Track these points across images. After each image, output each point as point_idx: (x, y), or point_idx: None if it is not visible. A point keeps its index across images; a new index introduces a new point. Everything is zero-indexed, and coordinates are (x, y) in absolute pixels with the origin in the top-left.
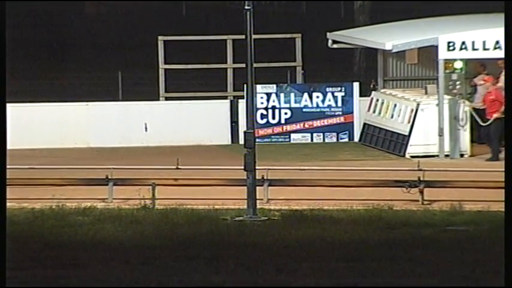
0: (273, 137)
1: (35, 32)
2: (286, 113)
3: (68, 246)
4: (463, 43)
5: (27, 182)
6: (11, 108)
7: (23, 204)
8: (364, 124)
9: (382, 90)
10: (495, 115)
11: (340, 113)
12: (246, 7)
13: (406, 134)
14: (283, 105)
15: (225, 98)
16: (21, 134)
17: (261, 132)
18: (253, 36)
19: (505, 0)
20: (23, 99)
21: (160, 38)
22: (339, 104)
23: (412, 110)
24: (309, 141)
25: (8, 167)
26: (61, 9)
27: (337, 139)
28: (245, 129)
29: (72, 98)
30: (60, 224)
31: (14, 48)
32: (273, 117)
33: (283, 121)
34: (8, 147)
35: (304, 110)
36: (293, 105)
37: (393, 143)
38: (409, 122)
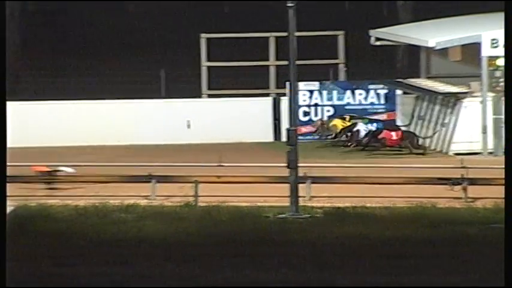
0: (315, 134)
1: (78, 30)
2: (328, 110)
3: (112, 243)
4: None
5: (71, 180)
6: (59, 106)
7: (67, 201)
8: None
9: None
10: None
11: (383, 110)
12: (289, 4)
13: (450, 131)
14: (325, 102)
15: (268, 95)
16: (65, 132)
17: (304, 129)
18: (296, 34)
19: (505, 0)
20: (67, 96)
21: (203, 35)
22: (382, 101)
23: (455, 108)
24: None
25: (52, 164)
26: (104, 7)
27: None
28: (288, 126)
29: (115, 96)
30: (104, 221)
31: (60, 47)
32: (316, 115)
33: (325, 118)
34: (53, 144)
35: (346, 107)
36: (336, 102)
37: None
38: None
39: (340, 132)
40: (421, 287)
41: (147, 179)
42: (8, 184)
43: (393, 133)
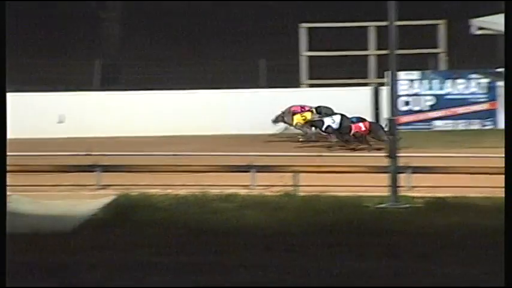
0: (415, 124)
1: (178, 19)
2: (429, 100)
3: (211, 233)
4: None
5: (172, 169)
6: (160, 95)
7: (168, 190)
8: None
9: None
10: None
11: (485, 99)
12: None
13: None
14: (426, 92)
15: (367, 85)
16: (164, 121)
17: (404, 119)
18: (396, 23)
19: (505, 0)
20: (167, 86)
21: (303, 25)
22: (483, 90)
23: None
24: (452, 128)
25: (151, 153)
26: None
27: (481, 126)
28: (387, 116)
29: (215, 86)
30: (204, 210)
31: (160, 36)
32: (416, 104)
33: (426, 108)
34: (151, 134)
35: (447, 96)
36: (436, 92)
37: None
38: None
39: (303, 126)
40: (436, 287)
41: (246, 168)
42: (110, 173)
43: (361, 124)
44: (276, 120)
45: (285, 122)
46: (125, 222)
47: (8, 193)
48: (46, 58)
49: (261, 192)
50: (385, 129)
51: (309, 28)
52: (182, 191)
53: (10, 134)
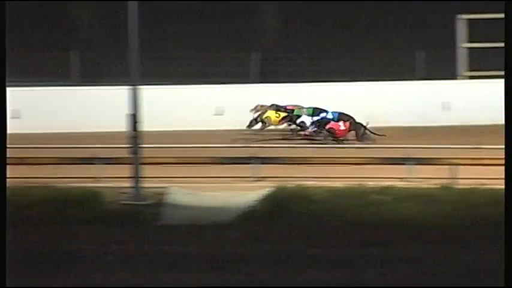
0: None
1: (336, 10)
2: None
3: (368, 225)
4: None
5: (328, 161)
6: (317, 88)
7: (324, 182)
8: None
9: None
10: None
11: None
12: None
13: None
14: None
15: None
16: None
17: None
18: None
19: (505, 0)
20: (326, 78)
21: (461, 16)
22: None
23: None
24: None
25: (305, 146)
26: None
27: None
28: None
29: (367, 78)
30: (360, 202)
31: (320, 27)
32: None
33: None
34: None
35: None
36: None
37: None
38: None
39: (279, 123)
40: (421, 287)
41: (403, 161)
42: (266, 165)
43: (340, 123)
44: (250, 125)
45: (258, 121)
46: (282, 215)
47: (167, 185)
48: (205, 51)
49: (417, 184)
50: (367, 130)
51: (468, 19)
52: (338, 183)
53: (168, 127)
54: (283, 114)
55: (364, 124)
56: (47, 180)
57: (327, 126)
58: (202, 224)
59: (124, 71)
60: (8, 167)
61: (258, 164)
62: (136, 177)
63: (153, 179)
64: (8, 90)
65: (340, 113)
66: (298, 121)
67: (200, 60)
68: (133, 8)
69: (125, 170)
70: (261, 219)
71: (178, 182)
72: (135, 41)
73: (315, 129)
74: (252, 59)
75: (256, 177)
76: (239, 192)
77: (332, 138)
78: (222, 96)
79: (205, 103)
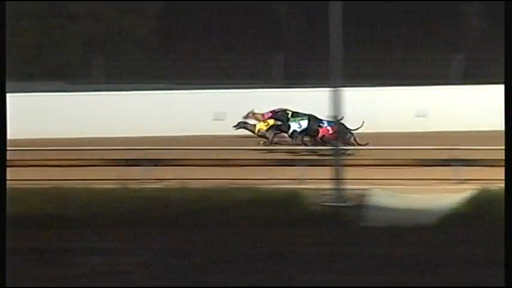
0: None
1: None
2: None
3: None
4: None
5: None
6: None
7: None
8: None
9: None
10: None
11: None
12: None
13: None
14: None
15: None
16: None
17: None
18: None
19: (505, 0)
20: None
21: None
22: None
23: None
24: None
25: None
26: None
27: None
28: None
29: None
30: None
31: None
32: None
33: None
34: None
35: None
36: None
37: None
38: None
39: (268, 130)
40: (425, 287)
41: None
42: (469, 168)
43: (329, 128)
44: (237, 126)
45: (246, 129)
46: (483, 218)
47: (368, 187)
48: (402, 53)
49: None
50: (352, 132)
51: None
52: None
53: (368, 129)
54: (272, 123)
55: (360, 124)
56: (248, 181)
57: (320, 135)
58: (403, 226)
59: (325, 72)
60: (208, 168)
61: (460, 166)
62: (337, 179)
63: (354, 181)
64: (208, 92)
65: (328, 120)
66: (290, 131)
67: (399, 62)
68: (335, 9)
69: (325, 172)
70: (462, 222)
71: (380, 184)
72: (338, 43)
73: (307, 138)
74: (454, 60)
75: (458, 180)
76: (441, 194)
77: (322, 143)
78: (423, 100)
79: (406, 104)
